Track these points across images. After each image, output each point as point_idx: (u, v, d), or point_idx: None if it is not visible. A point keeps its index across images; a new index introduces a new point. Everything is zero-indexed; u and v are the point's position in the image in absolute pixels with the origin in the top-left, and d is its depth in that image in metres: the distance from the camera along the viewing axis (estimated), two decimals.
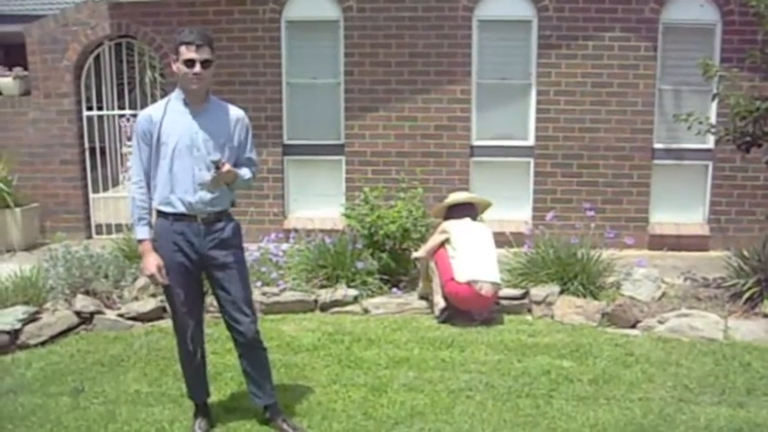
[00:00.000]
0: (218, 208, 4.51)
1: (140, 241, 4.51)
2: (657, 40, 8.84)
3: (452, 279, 6.57)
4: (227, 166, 4.35)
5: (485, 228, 6.99)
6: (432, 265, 6.82)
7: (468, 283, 6.50)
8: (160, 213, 4.49)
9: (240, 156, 4.60)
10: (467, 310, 6.70)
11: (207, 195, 4.42)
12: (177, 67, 4.35)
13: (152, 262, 4.43)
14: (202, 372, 4.83)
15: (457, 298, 6.59)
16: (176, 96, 4.48)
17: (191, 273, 4.51)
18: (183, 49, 4.29)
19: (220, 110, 4.52)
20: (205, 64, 4.33)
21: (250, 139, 4.66)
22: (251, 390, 4.77)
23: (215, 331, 6.07)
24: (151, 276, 4.47)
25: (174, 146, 4.38)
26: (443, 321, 6.68)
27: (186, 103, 4.44)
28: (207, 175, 4.37)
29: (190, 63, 4.28)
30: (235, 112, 4.59)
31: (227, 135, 4.48)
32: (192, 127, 4.41)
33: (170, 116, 4.43)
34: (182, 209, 4.42)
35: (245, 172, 4.58)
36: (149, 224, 4.51)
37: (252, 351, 4.68)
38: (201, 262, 4.50)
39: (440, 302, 6.71)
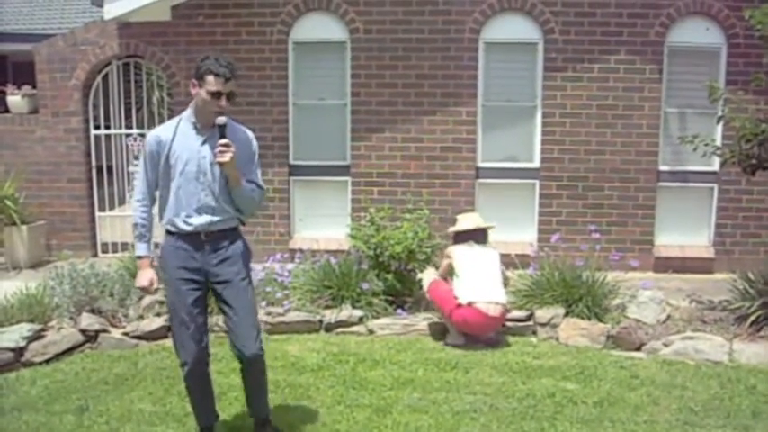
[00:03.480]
0: (222, 227, 4.50)
1: (139, 257, 4.59)
2: (663, 63, 8.87)
3: (457, 306, 6.57)
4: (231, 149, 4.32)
5: (491, 251, 6.98)
6: (434, 306, 6.86)
7: (470, 304, 6.49)
8: (166, 232, 4.53)
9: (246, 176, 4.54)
10: (480, 333, 6.69)
11: (210, 218, 4.43)
12: (199, 93, 4.32)
13: (145, 276, 4.54)
14: (208, 394, 4.81)
15: (466, 324, 6.55)
16: (187, 118, 4.47)
17: (195, 290, 4.50)
18: (210, 78, 4.26)
19: (230, 133, 4.42)
20: (230, 97, 4.34)
21: (256, 160, 4.63)
22: (247, 401, 4.85)
23: (219, 351, 6.06)
24: (143, 289, 4.59)
25: (181, 169, 4.39)
26: (447, 343, 6.69)
27: (196, 127, 4.43)
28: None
29: (216, 95, 4.27)
30: (244, 134, 4.57)
31: (237, 159, 4.41)
32: (200, 152, 4.41)
33: (180, 139, 4.42)
34: (186, 230, 4.44)
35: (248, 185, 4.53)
36: (148, 241, 4.57)
37: (252, 369, 4.67)
38: (206, 279, 4.51)
39: (458, 338, 6.72)
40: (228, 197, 4.48)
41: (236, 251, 4.56)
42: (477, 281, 6.63)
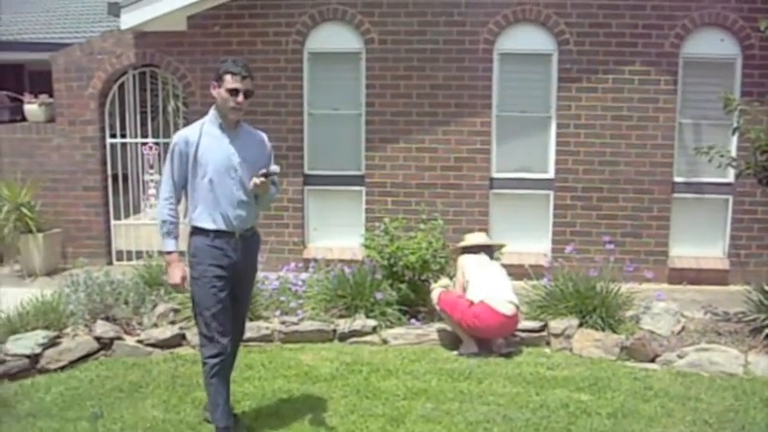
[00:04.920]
0: (251, 224, 4.91)
1: (169, 253, 4.81)
2: (677, 74, 8.85)
3: (469, 305, 6.57)
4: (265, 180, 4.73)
5: (498, 264, 7.08)
6: (444, 315, 6.86)
7: (483, 302, 6.50)
8: (199, 231, 4.75)
9: None
10: (493, 333, 6.68)
11: (243, 213, 4.75)
12: (219, 92, 4.66)
13: (178, 273, 4.79)
14: (228, 392, 4.93)
15: (480, 322, 6.49)
16: (211, 120, 4.77)
17: (226, 286, 4.76)
18: (228, 77, 4.62)
19: (250, 134, 4.90)
20: (247, 94, 4.67)
21: (272, 159, 5.05)
22: None
23: None
24: (175, 286, 4.84)
25: (212, 168, 4.67)
26: (461, 353, 6.69)
27: (222, 128, 4.73)
28: (250, 184, 4.75)
29: (234, 92, 4.61)
30: (262, 135, 5.02)
31: (258, 157, 4.85)
32: (229, 150, 4.73)
33: (206, 138, 4.71)
34: (222, 226, 4.71)
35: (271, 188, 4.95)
36: (177, 237, 4.80)
37: (235, 350, 5.13)
38: (234, 273, 4.80)
39: (471, 346, 6.72)
40: (252, 193, 4.83)
41: (256, 246, 5.08)
42: (489, 282, 6.70)
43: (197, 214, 4.75)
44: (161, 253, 8.86)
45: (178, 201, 4.82)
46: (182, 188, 4.79)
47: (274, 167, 4.79)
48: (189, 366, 6.29)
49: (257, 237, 5.07)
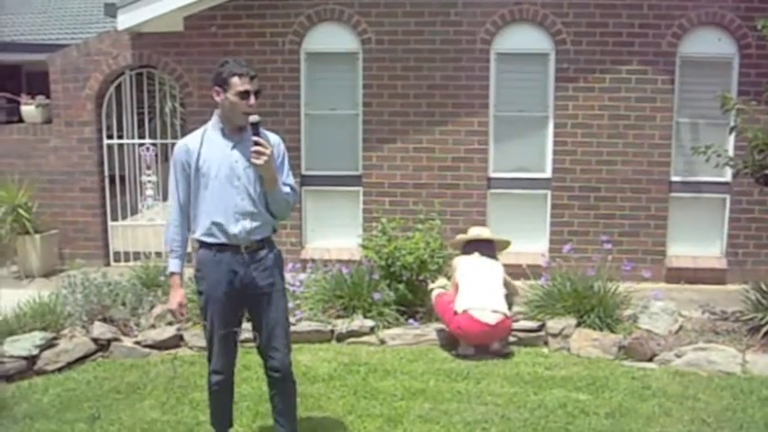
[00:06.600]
0: (260, 236, 4.44)
1: (171, 274, 4.53)
2: (675, 74, 8.85)
3: (454, 314, 6.59)
4: (268, 150, 4.25)
5: (495, 262, 7.04)
6: (439, 317, 6.87)
7: (465, 311, 6.51)
8: (203, 244, 4.44)
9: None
10: (478, 341, 6.68)
11: (248, 224, 4.36)
12: (226, 98, 4.29)
13: (176, 298, 4.50)
14: (230, 404, 4.79)
15: (463, 331, 6.56)
16: (213, 126, 4.43)
17: (231, 303, 4.44)
18: (235, 80, 4.25)
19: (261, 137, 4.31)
20: (257, 95, 4.34)
21: (286, 164, 4.57)
22: (276, 419, 4.71)
23: None
24: (171, 312, 4.56)
25: (214, 176, 4.33)
26: (458, 353, 6.69)
27: (224, 133, 4.39)
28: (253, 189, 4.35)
29: (245, 95, 4.26)
30: (271, 138, 4.49)
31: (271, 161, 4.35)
32: (231, 156, 4.35)
33: (208, 146, 4.38)
34: (224, 239, 4.36)
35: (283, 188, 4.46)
36: (181, 258, 4.52)
37: (283, 383, 4.62)
38: (244, 291, 4.43)
39: (468, 347, 6.72)
40: (265, 201, 4.43)
41: (272, 261, 4.52)
42: (475, 290, 6.69)
43: (200, 227, 4.41)
44: (158, 254, 8.91)
45: (186, 219, 4.48)
46: (188, 203, 4.44)
47: (253, 117, 4.27)
48: (186, 367, 6.28)
49: (272, 251, 4.53)
